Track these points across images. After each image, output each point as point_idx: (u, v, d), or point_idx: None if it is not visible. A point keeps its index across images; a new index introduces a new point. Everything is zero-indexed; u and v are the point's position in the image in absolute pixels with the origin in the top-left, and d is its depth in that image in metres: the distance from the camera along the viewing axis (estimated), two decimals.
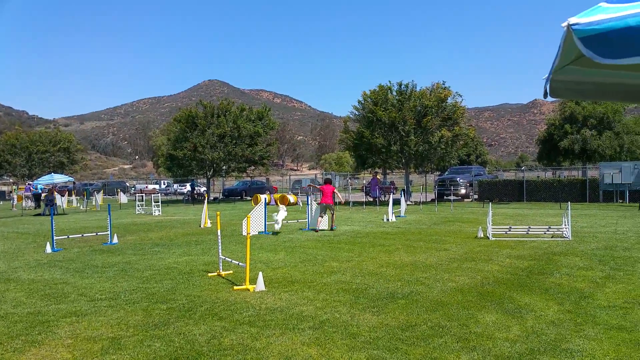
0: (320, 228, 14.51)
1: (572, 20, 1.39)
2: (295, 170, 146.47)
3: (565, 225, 11.77)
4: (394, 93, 29.38)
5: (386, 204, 21.58)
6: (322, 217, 14.64)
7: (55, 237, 11.62)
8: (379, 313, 5.57)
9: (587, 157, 45.76)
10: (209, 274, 8.04)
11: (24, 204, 29.87)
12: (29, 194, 31.46)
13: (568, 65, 1.98)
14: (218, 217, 8.64)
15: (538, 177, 37.20)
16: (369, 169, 34.54)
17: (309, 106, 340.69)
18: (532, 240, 11.26)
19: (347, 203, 28.70)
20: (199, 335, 4.94)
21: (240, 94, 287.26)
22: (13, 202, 31.59)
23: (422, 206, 25.39)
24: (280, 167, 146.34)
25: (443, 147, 28.34)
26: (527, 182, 28.74)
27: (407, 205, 23.30)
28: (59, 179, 31.43)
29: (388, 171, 36.42)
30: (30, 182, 36.69)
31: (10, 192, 49.02)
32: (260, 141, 39.01)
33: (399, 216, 18.90)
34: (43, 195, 28.60)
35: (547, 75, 1.85)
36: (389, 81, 29.60)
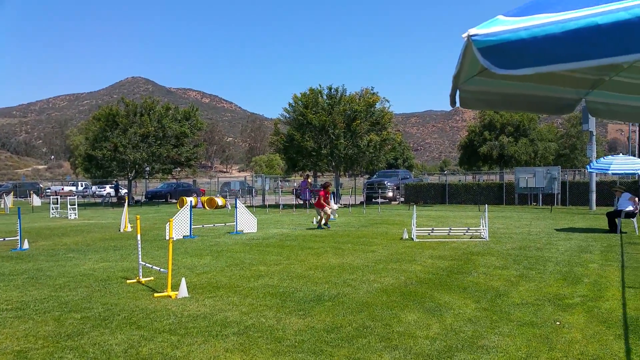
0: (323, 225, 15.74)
1: (472, 31, 1.45)
2: (224, 172, 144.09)
3: (483, 226, 12.42)
4: (324, 97, 29.71)
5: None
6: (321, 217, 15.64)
7: None
8: (305, 316, 5.57)
9: (504, 162, 48.70)
10: (128, 281, 7.67)
11: None
12: None
13: (475, 76, 2.07)
14: (138, 220, 8.27)
15: (459, 181, 39.05)
16: (300, 172, 34.68)
17: (239, 107, 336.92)
18: (453, 241, 11.76)
19: (277, 206, 28.61)
20: (115, 345, 4.69)
21: (166, 93, 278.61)
22: None
23: (351, 209, 25.82)
24: (208, 169, 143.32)
25: (372, 151, 29.01)
26: (449, 185, 30.07)
27: (337, 208, 23.62)
28: None
29: (319, 174, 36.74)
30: None
31: None
32: (187, 142, 37.97)
33: (330, 219, 19.07)
34: None
35: (452, 86, 1.92)
36: (320, 85, 29.95)
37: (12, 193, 37.94)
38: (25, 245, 11.62)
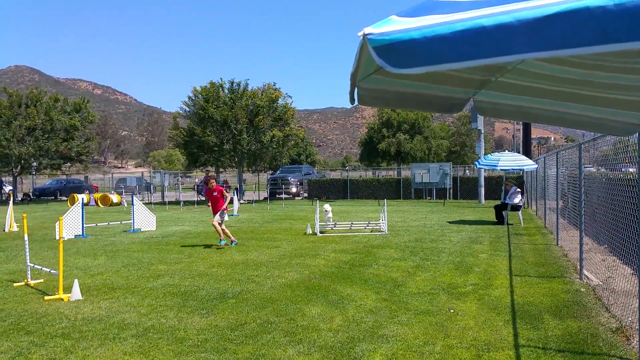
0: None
1: (367, 30, 1.52)
2: (119, 167, 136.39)
3: (382, 220, 13.00)
4: (226, 91, 29.23)
5: None
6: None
7: None
8: (208, 315, 5.49)
9: (401, 158, 51.10)
10: (15, 284, 7.07)
11: None
12: None
13: (372, 74, 2.18)
14: (25, 219, 7.62)
15: (360, 176, 40.34)
16: (202, 167, 33.83)
17: (135, 99, 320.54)
18: (355, 235, 12.18)
19: (177, 202, 27.68)
20: (1, 353, 4.31)
21: (54, 83, 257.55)
22: None
23: (254, 205, 25.70)
24: (101, 164, 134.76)
25: (275, 146, 29.07)
26: (350, 181, 31.00)
27: (240, 204, 23.37)
28: None
29: (221, 169, 36.07)
30: None
31: None
32: (77, 135, 35.50)
33: (232, 215, 18.85)
34: None
35: (350, 83, 1.99)
36: (221, 78, 29.42)
37: None
38: None
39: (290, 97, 30.18)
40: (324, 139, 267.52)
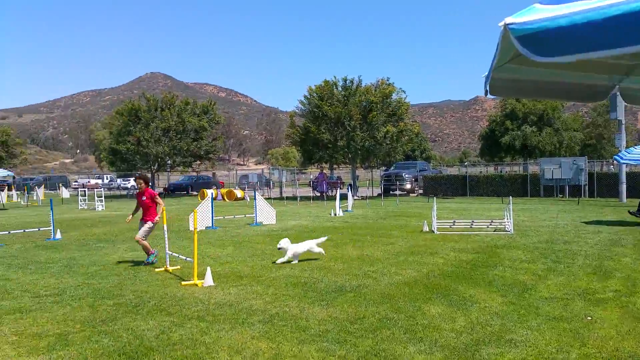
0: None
1: (508, 20, 1.47)
2: (241, 165, 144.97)
3: (507, 219, 12.27)
4: (339, 88, 29.61)
5: (333, 198, 21.82)
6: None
7: None
8: (328, 306, 5.64)
9: (527, 152, 47.80)
10: (156, 270, 7.88)
11: None
12: None
13: (506, 64, 2.09)
14: (164, 212, 8.46)
15: (480, 172, 38.63)
16: (316, 164, 34.75)
17: (255, 100, 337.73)
18: (476, 234, 11.68)
19: (294, 198, 28.74)
20: (147, 331, 4.85)
21: (183, 88, 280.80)
22: None
23: (368, 201, 25.82)
24: (226, 162, 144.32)
25: (388, 142, 28.87)
26: (470, 177, 29.80)
27: (354, 200, 23.63)
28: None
29: (335, 166, 36.73)
30: None
31: None
32: (205, 135, 38.39)
33: (347, 211, 19.14)
34: None
35: (486, 74, 1.93)
36: (334, 76, 29.82)
37: (42, 186, 38.90)
38: (58, 235, 11.98)
39: (404, 91, 29.73)
40: (440, 134, 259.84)
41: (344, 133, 28.44)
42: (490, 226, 12.60)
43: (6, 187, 33.65)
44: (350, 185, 29.81)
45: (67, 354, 4.28)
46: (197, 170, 44.32)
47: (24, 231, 12.84)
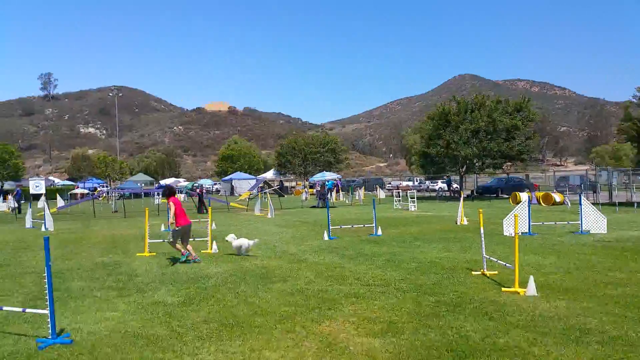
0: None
1: None
2: (558, 165, 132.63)
3: None
4: None
5: None
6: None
7: (330, 227, 13.13)
8: None
9: None
10: (473, 272, 7.92)
11: (303, 197, 34.86)
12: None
13: None
14: (480, 214, 8.45)
15: None
16: None
17: (574, 92, 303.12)
18: None
19: (629, 204, 24.57)
20: (471, 332, 4.92)
21: (492, 86, 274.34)
22: (305, 196, 37.13)
23: None
24: (540, 162, 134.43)
25: None
26: None
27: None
28: (329, 176, 35.40)
29: None
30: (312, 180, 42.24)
31: (292, 187, 57.73)
32: (518, 135, 36.58)
33: None
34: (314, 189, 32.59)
35: None
36: None
37: (362, 187, 44.38)
38: (379, 232, 13.42)
39: None
40: None
41: None
42: None
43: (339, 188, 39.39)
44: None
45: (399, 341, 4.71)
46: (507, 171, 42.78)
47: (352, 227, 14.81)
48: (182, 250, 9.52)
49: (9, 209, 31.31)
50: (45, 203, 20.93)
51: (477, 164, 37.62)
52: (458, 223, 16.27)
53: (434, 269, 8.25)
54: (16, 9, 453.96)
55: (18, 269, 9.23)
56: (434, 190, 46.81)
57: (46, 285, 4.93)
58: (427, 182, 55.94)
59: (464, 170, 38.84)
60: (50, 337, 4.90)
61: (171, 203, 9.45)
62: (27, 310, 5.34)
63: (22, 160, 56.61)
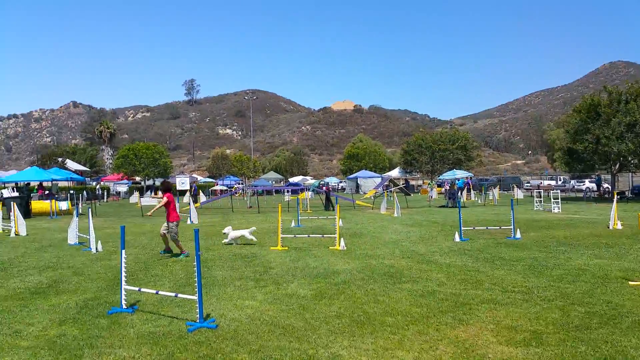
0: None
1: None
2: None
3: None
4: None
5: None
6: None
7: (462, 228, 12.58)
8: None
9: None
10: (630, 283, 7.03)
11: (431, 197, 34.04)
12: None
13: None
14: None
15: None
16: None
17: None
18: None
19: None
20: (630, 348, 4.37)
21: None
22: (431, 195, 36.42)
23: None
24: None
25: None
26: None
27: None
28: (460, 174, 34.09)
29: None
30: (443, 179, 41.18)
31: (419, 186, 56.72)
32: None
33: None
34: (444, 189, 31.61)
35: None
36: None
37: (497, 186, 42.00)
38: (518, 235, 12.50)
39: None
40: None
41: None
42: None
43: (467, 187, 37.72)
44: None
45: (544, 352, 4.33)
46: None
47: (487, 228, 14.02)
48: (183, 248, 10.18)
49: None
50: (190, 199, 23.05)
51: (632, 161, 33.48)
52: (611, 227, 14.56)
53: (583, 277, 7.48)
54: (166, 24, 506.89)
55: (168, 257, 10.25)
56: (581, 190, 42.69)
57: (195, 274, 5.38)
58: (572, 182, 51.28)
59: (616, 168, 34.82)
60: (198, 321, 5.35)
61: (165, 198, 10.14)
62: (179, 295, 5.87)
63: (170, 160, 62.56)
